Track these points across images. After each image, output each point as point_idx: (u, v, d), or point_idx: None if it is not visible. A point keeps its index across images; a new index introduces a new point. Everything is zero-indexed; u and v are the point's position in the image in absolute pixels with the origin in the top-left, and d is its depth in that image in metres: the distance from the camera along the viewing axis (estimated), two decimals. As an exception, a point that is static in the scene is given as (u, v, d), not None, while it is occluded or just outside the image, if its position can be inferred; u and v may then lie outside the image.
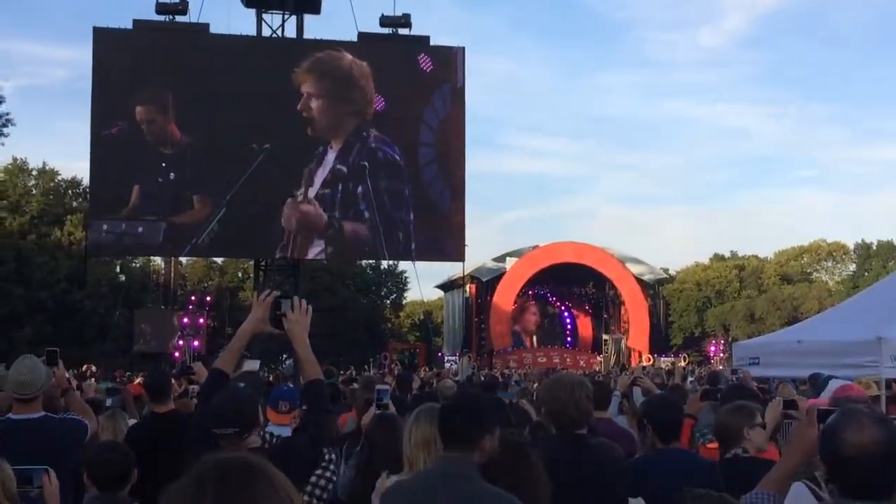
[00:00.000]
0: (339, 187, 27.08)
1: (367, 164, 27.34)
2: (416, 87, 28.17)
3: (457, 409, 3.75)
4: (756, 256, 79.47)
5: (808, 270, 77.06)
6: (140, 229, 26.35)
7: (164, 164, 26.63)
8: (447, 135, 28.36)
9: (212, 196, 26.54)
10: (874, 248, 74.06)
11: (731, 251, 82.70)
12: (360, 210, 27.10)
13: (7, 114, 43.76)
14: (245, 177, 26.29)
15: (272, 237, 27.07)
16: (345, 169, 27.15)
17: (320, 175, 27.13)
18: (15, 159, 54.71)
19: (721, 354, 53.02)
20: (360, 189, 27.02)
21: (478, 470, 3.51)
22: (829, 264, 78.14)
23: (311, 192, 27.01)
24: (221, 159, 26.48)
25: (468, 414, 3.65)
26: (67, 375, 6.83)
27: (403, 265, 69.05)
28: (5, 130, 43.38)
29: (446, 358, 58.87)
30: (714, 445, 5.60)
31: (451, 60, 28.55)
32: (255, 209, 26.59)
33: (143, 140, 26.62)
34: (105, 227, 26.13)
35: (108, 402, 8.98)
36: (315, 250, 28.50)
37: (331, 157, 27.19)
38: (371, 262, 61.85)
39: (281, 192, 26.95)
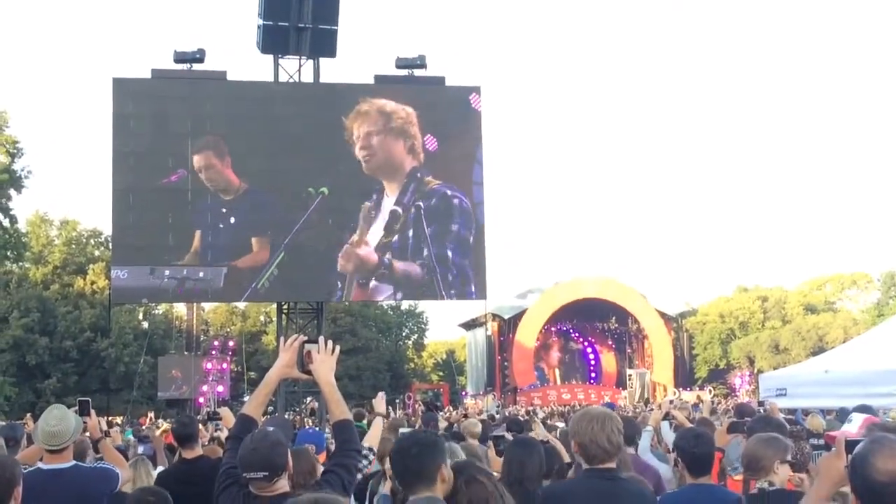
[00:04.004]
0: (410, 232, 26.93)
1: (422, 205, 27.23)
2: (470, 126, 28.15)
3: (404, 450, 3.68)
4: (780, 287, 78.86)
5: (832, 300, 76.38)
6: (201, 274, 26.25)
7: (224, 210, 26.59)
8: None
9: (269, 239, 26.50)
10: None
11: (755, 283, 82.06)
12: (423, 254, 26.88)
13: (27, 166, 44.03)
14: (303, 220, 26.26)
15: (331, 280, 26.99)
16: (400, 210, 27.07)
17: (379, 219, 26.99)
18: (37, 211, 55.33)
19: (747, 386, 52.57)
20: (425, 232, 26.75)
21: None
22: (853, 293, 77.41)
23: (371, 237, 26.86)
24: (271, 203, 26.42)
25: (418, 451, 3.63)
26: (100, 418, 6.88)
27: (423, 305, 68.99)
28: (25, 182, 43.62)
29: (469, 395, 58.73)
30: (741, 477, 5.52)
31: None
32: (315, 252, 26.53)
33: (180, 188, 26.52)
34: (167, 272, 25.96)
35: (141, 449, 9.02)
36: (384, 294, 28.46)
37: (388, 200, 27.09)
38: (392, 302, 61.69)
39: (338, 235, 26.86)
